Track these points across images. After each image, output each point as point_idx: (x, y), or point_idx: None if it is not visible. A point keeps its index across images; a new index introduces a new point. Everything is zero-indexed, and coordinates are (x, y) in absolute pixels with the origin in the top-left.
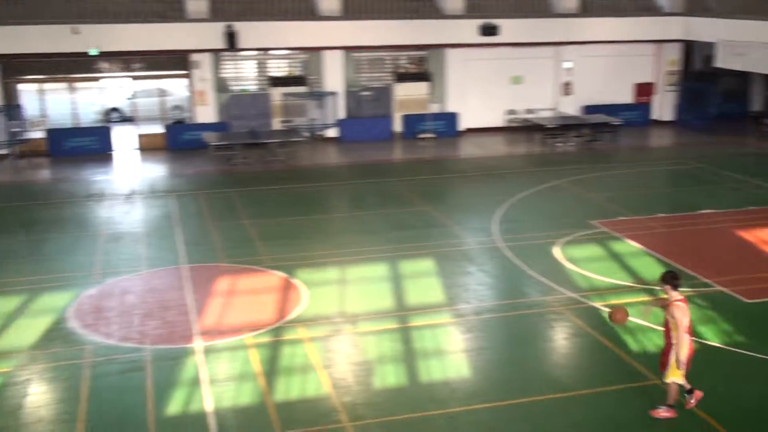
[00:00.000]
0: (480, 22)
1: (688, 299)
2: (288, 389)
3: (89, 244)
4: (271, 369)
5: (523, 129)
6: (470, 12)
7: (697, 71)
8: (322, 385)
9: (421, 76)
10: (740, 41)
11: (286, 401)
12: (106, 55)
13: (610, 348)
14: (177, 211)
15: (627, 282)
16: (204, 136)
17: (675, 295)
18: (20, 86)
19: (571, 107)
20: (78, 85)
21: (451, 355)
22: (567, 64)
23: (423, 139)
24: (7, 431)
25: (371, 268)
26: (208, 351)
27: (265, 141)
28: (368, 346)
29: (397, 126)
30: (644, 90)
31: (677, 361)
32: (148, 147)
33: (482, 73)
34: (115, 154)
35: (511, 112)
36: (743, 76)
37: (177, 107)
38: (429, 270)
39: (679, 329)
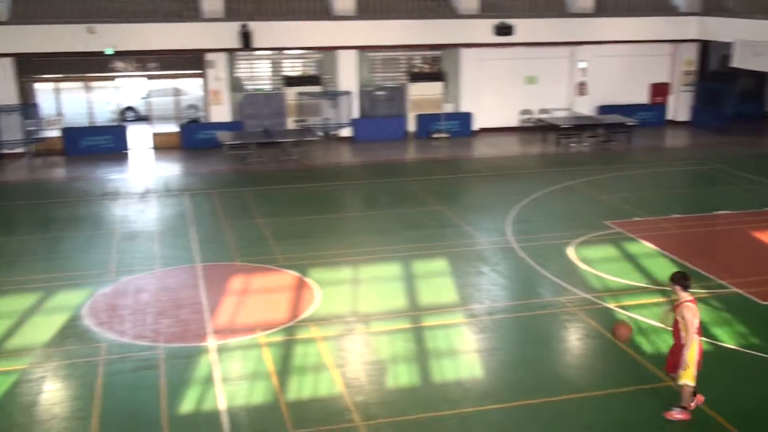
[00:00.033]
0: (495, 21)
1: (703, 301)
2: (300, 388)
3: (104, 243)
4: (284, 368)
5: (537, 129)
6: (485, 12)
7: (714, 71)
8: (334, 384)
9: (435, 76)
10: (758, 41)
11: (299, 400)
12: (121, 55)
13: (624, 349)
14: (191, 210)
15: (641, 283)
16: (218, 136)
17: (685, 295)
18: (36, 85)
19: (585, 107)
20: (93, 84)
21: (464, 355)
22: (582, 64)
23: (437, 138)
24: (22, 427)
25: (384, 267)
26: (221, 349)
27: (279, 140)
28: (381, 346)
29: (411, 126)
30: (660, 90)
31: (682, 362)
32: (163, 146)
33: (497, 72)
34: (130, 153)
35: (526, 112)
36: (760, 77)
37: (192, 106)
38: (442, 270)
39: (689, 330)
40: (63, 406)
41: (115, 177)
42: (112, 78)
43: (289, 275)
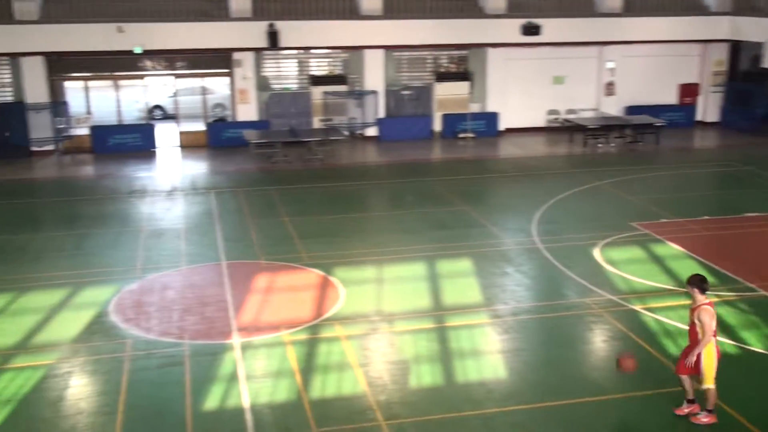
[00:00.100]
0: (522, 21)
1: (731, 304)
2: (324, 387)
3: (131, 240)
4: (308, 366)
5: (564, 129)
6: (512, 11)
7: (744, 72)
8: (358, 383)
9: (461, 76)
10: None
11: (322, 398)
12: (149, 54)
13: (649, 351)
14: (217, 208)
15: (667, 285)
16: (245, 134)
17: (702, 298)
18: (66, 83)
19: (613, 108)
20: (122, 82)
21: (488, 355)
22: (610, 64)
23: (463, 138)
24: (48, 422)
25: (409, 267)
26: (245, 347)
27: (305, 139)
28: (405, 345)
29: (437, 125)
30: (689, 91)
31: (700, 371)
32: (190, 144)
33: (523, 72)
34: (157, 151)
35: (553, 112)
36: None
37: (219, 105)
38: (467, 270)
39: (706, 334)
40: (89, 402)
41: (143, 175)
42: (140, 76)
43: (314, 274)
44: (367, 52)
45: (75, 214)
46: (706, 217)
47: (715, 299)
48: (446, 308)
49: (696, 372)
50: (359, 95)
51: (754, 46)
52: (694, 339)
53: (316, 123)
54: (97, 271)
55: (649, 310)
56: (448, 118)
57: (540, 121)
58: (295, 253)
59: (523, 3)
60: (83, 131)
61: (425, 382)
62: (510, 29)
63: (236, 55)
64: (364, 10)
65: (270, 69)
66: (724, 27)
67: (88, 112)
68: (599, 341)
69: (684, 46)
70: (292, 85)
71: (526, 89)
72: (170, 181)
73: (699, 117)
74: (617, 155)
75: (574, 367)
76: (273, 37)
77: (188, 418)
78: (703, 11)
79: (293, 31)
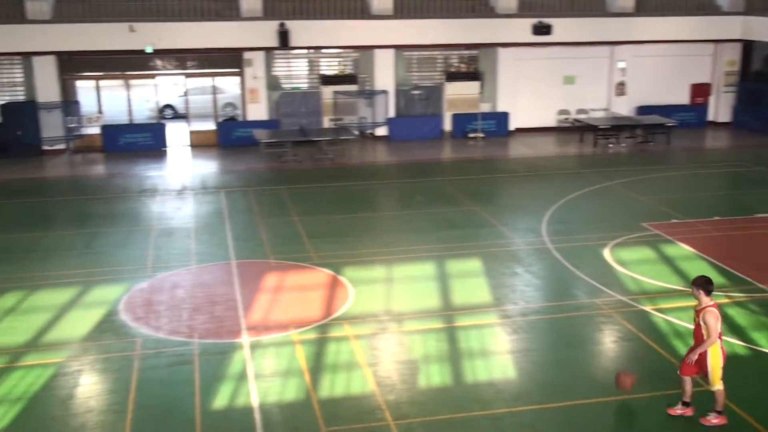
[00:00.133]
0: (533, 21)
1: (742, 305)
2: (333, 386)
3: (141, 239)
4: (317, 365)
5: (574, 129)
6: (523, 11)
7: (756, 71)
8: (366, 382)
9: (472, 76)
10: None
11: (331, 398)
12: (160, 53)
13: (659, 352)
14: (227, 208)
15: (678, 286)
16: (255, 134)
17: (707, 300)
18: (77, 83)
19: (624, 108)
20: (133, 82)
21: (497, 356)
22: (621, 64)
23: (473, 138)
24: (58, 420)
25: (418, 266)
26: (254, 346)
27: (315, 139)
28: (413, 345)
29: (447, 125)
30: (700, 91)
31: (688, 357)
32: (200, 144)
33: (534, 72)
34: (168, 150)
35: (563, 112)
36: None
37: (229, 104)
38: (476, 270)
39: (711, 335)
40: (99, 400)
41: (153, 174)
42: (151, 76)
43: (323, 273)
44: (377, 51)
45: (86, 212)
46: (717, 218)
47: (726, 300)
48: (455, 308)
49: (702, 371)
50: (369, 95)
51: (767, 46)
52: (699, 340)
53: (326, 122)
54: (107, 269)
55: (660, 310)
56: (458, 118)
57: (550, 121)
58: (304, 253)
59: (534, 2)
60: (94, 130)
61: (434, 382)
62: (521, 29)
63: (247, 55)
64: (374, 10)
65: (280, 68)
66: (737, 27)
67: (99, 112)
68: (609, 342)
69: (696, 45)
70: (303, 84)
71: (537, 89)
72: (180, 180)
73: (710, 117)
74: (628, 155)
75: (583, 368)
76: (283, 36)
77: (197, 416)
78: (715, 11)
79: (304, 31)
